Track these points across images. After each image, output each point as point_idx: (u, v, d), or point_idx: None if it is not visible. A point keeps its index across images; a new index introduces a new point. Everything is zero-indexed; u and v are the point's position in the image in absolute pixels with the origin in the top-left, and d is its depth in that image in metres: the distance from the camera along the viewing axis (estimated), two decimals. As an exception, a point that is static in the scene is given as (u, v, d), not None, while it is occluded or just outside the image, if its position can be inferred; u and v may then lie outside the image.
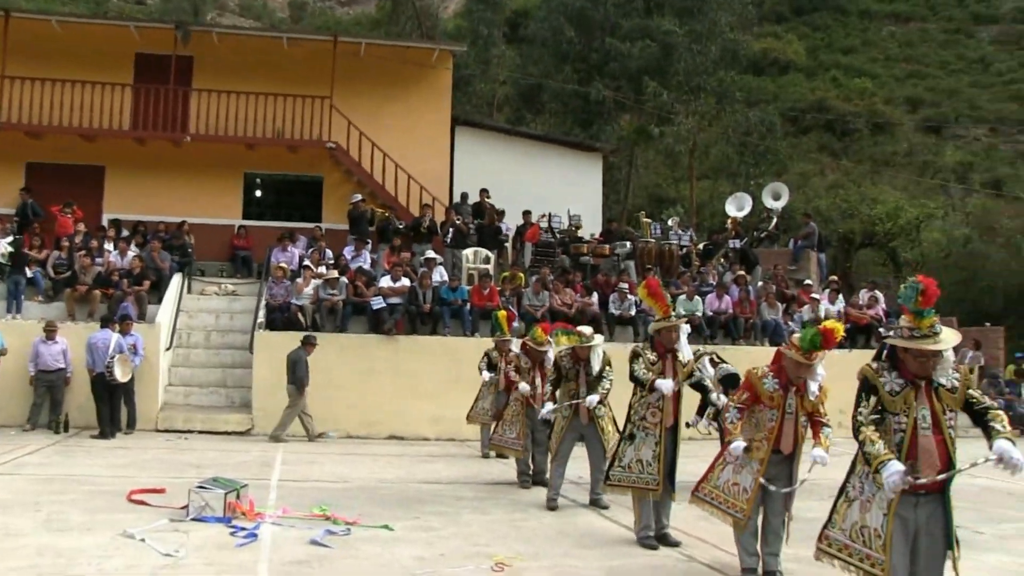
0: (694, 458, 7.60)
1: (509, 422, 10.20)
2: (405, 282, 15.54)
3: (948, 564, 4.48)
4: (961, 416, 4.51)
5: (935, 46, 62.33)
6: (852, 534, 4.52)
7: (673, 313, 7.18)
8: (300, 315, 14.82)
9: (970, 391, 4.49)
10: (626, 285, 16.61)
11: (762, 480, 5.75)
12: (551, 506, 8.46)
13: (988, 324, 22.91)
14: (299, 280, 15.40)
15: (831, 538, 4.67)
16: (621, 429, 7.23)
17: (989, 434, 4.35)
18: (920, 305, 4.27)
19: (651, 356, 7.06)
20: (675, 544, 7.00)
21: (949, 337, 4.32)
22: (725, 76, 31.48)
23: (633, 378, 7.02)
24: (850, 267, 28.40)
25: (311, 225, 19.32)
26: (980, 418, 4.44)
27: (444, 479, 10.31)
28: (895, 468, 4.18)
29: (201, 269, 18.40)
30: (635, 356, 7.09)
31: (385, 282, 15.48)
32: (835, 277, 19.65)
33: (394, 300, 15.18)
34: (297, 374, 13.48)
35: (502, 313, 12.35)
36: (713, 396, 8.37)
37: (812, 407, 5.91)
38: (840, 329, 5.73)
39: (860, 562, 4.45)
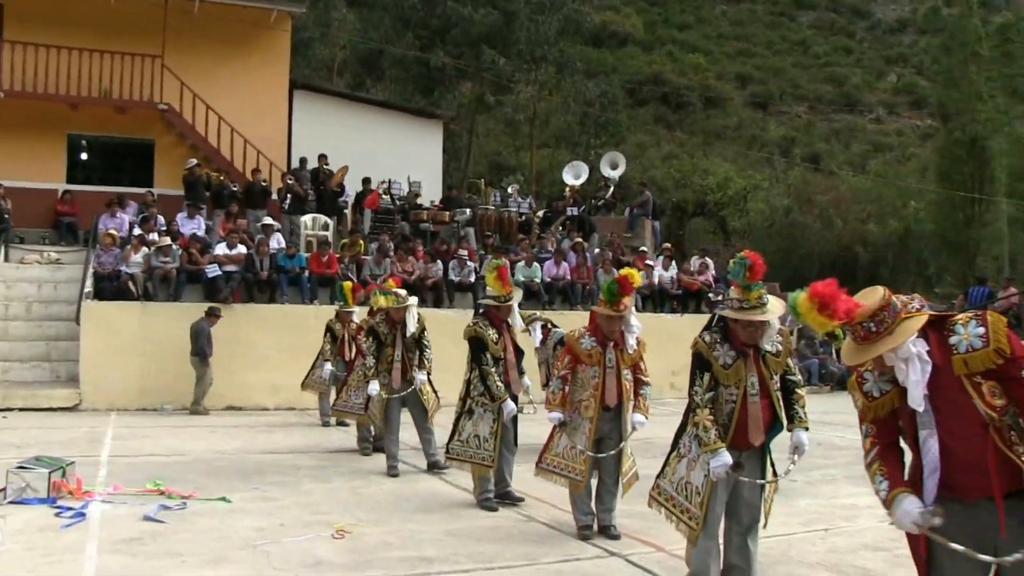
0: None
1: (355, 388, 10.18)
2: (241, 249, 15.15)
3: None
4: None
5: (762, 26, 65.21)
6: (678, 487, 4.81)
7: (511, 293, 7.29)
8: (131, 284, 14.24)
9: (788, 360, 4.90)
10: (465, 252, 16.75)
11: (585, 450, 5.99)
12: (392, 473, 8.54)
13: (806, 289, 24.33)
14: (128, 247, 14.77)
15: (661, 487, 4.96)
16: (461, 403, 7.29)
17: (792, 418, 4.86)
18: (748, 279, 4.55)
19: (493, 334, 7.16)
20: (519, 500, 7.20)
21: (775, 307, 4.63)
22: (566, 47, 31.91)
23: (482, 378, 7.08)
24: (683, 234, 29.54)
25: (142, 190, 18.44)
26: (788, 394, 4.89)
27: (284, 449, 10.21)
28: (723, 460, 4.50)
29: (20, 236, 17.31)
30: (480, 342, 7.09)
31: (221, 249, 15.05)
32: (668, 244, 20.39)
33: (230, 268, 14.80)
34: (199, 344, 13.27)
35: (347, 284, 12.18)
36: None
37: (632, 361, 6.16)
38: (635, 275, 6.01)
39: (681, 514, 4.77)
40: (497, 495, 7.26)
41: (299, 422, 12.82)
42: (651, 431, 6.07)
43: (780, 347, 4.81)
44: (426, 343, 8.69)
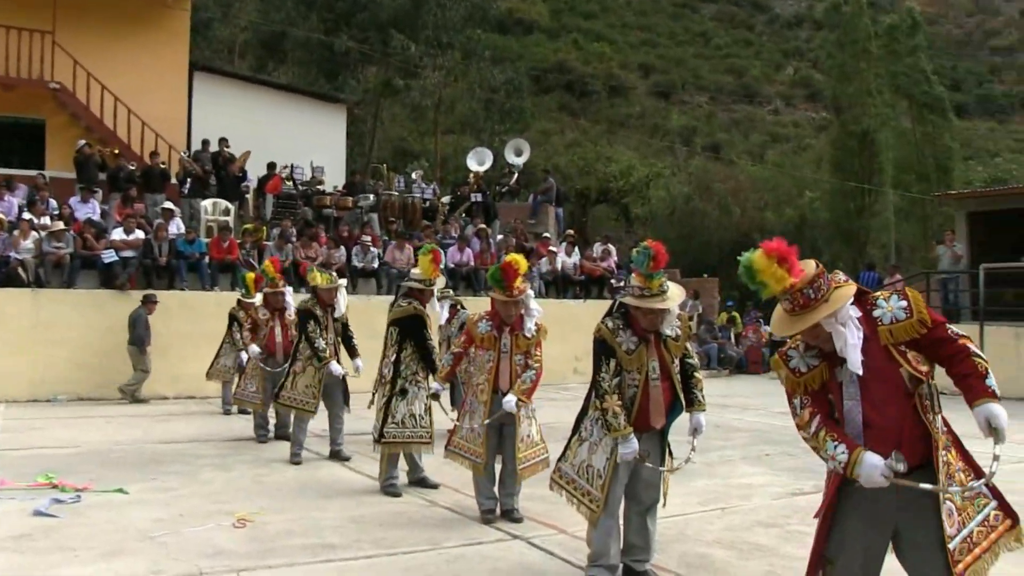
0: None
1: (249, 376, 10.11)
2: (139, 234, 14.74)
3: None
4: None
5: (665, 17, 66.25)
6: (579, 471, 4.91)
7: (436, 278, 7.37)
8: (21, 270, 13.70)
9: (687, 344, 5.06)
10: (369, 238, 16.66)
11: (486, 422, 6.08)
12: (294, 461, 8.48)
13: (705, 275, 24.98)
14: (16, 233, 14.20)
15: (563, 471, 5.05)
16: (390, 386, 7.21)
17: (691, 402, 5.04)
18: (651, 268, 4.66)
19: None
20: (434, 486, 7.27)
21: (675, 294, 4.76)
22: (473, 33, 31.88)
23: (427, 354, 7.13)
24: (586, 221, 29.89)
25: (32, 172, 17.72)
26: (687, 378, 5.05)
27: (183, 438, 10.01)
28: (632, 446, 4.63)
29: None
30: (421, 320, 7.14)
31: (117, 234, 14.62)
32: (571, 231, 20.65)
33: (127, 253, 14.40)
34: (137, 333, 13.01)
35: (250, 275, 11.90)
36: None
37: (527, 345, 6.19)
38: (520, 261, 6.06)
39: (582, 496, 4.87)
40: (412, 482, 7.29)
41: (199, 410, 12.59)
42: (554, 415, 6.18)
43: (679, 332, 4.95)
44: (349, 327, 8.86)
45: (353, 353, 8.85)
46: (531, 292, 6.24)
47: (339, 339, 8.75)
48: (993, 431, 3.08)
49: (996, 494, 3.35)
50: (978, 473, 3.29)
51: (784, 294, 3.26)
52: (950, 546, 3.15)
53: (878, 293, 3.36)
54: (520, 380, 6.14)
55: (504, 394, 6.09)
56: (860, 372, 3.21)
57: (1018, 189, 21.78)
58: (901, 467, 3.08)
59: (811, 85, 59.79)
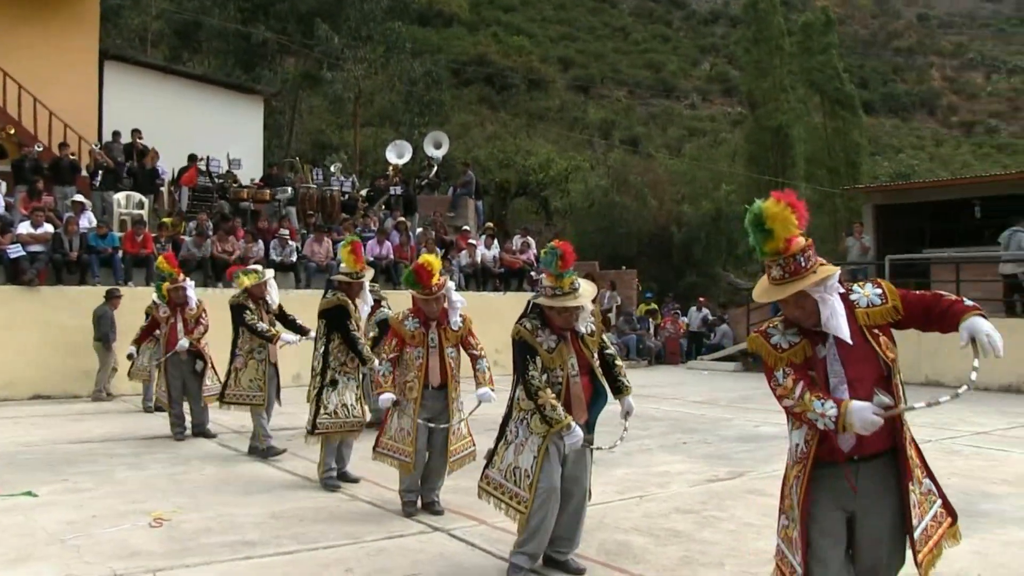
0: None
1: (162, 373, 9.95)
2: (47, 228, 14.29)
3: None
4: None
5: (584, 11, 66.75)
6: (506, 474, 4.94)
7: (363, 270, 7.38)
8: (-81, 265, 13.21)
9: (603, 336, 5.16)
10: (287, 231, 16.46)
11: (420, 420, 6.08)
12: (274, 452, 8.49)
13: (624, 267, 25.28)
14: (-86, 226, 13.68)
15: (490, 477, 5.06)
16: (320, 377, 7.18)
17: (618, 389, 5.15)
18: (560, 268, 4.74)
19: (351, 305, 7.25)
20: (355, 480, 7.27)
21: (587, 291, 4.84)
22: (393, 26, 31.65)
23: (352, 344, 7.13)
24: (505, 214, 29.96)
25: (-71, 164, 17.12)
26: (608, 368, 5.15)
27: (97, 437, 9.77)
28: (578, 435, 4.71)
29: None
30: (343, 310, 7.12)
31: (24, 228, 14.16)
32: (491, 224, 20.70)
33: (35, 248, 13.95)
34: (102, 330, 12.83)
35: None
36: None
37: (457, 338, 6.24)
38: (433, 262, 6.10)
39: (510, 500, 4.89)
40: (338, 474, 7.28)
41: (113, 409, 12.30)
42: (478, 409, 6.19)
43: (593, 327, 5.03)
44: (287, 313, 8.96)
45: (302, 330, 8.81)
46: (452, 284, 6.27)
47: (279, 325, 8.78)
48: (974, 343, 3.14)
49: (941, 493, 3.48)
50: (929, 471, 3.47)
51: (777, 258, 3.31)
52: (915, 535, 3.28)
53: (854, 283, 3.46)
54: (479, 371, 6.21)
55: (435, 389, 6.15)
56: (848, 339, 3.26)
57: (920, 184, 22.63)
58: (887, 400, 3.19)
59: (727, 80, 60.99)
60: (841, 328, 3.26)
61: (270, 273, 8.87)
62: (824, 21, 33.96)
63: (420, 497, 6.35)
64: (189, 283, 9.81)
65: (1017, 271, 15.19)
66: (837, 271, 3.33)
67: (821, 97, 32.92)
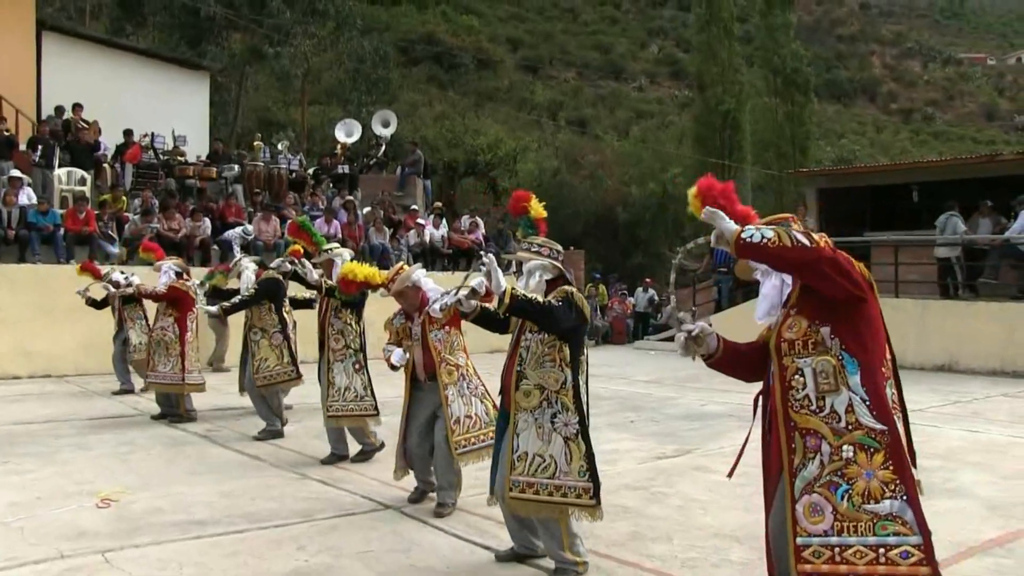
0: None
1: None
2: (-16, 205, 14.00)
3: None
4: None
5: (534, -9, 66.58)
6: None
7: (325, 248, 7.35)
8: None
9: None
10: (233, 209, 16.27)
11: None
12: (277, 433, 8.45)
13: (572, 247, 25.42)
14: None
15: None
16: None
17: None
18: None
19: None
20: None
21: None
22: (345, 3, 31.25)
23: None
24: (454, 194, 29.87)
25: None
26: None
27: (39, 418, 9.60)
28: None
29: None
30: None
31: (-41, 204, 13.84)
32: (439, 203, 20.68)
33: (-29, 225, 13.65)
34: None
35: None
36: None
37: (444, 321, 5.73)
38: (355, 270, 6.19)
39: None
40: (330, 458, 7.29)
41: (57, 390, 12.09)
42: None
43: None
44: None
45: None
46: (420, 271, 5.95)
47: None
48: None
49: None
50: None
51: None
52: None
53: None
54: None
55: (421, 384, 5.82)
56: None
57: (862, 168, 23.07)
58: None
59: (675, 63, 61.37)
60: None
61: (248, 262, 8.99)
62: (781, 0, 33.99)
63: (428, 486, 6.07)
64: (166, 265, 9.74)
65: (951, 255, 15.58)
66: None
67: (775, 78, 33.15)
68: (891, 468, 3.00)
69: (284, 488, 6.47)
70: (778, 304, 3.36)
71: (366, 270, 6.28)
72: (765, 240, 2.99)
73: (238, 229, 8.76)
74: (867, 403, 3.04)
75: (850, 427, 3.04)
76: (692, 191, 3.38)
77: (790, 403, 3.15)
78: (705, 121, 32.16)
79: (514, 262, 5.13)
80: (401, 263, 6.46)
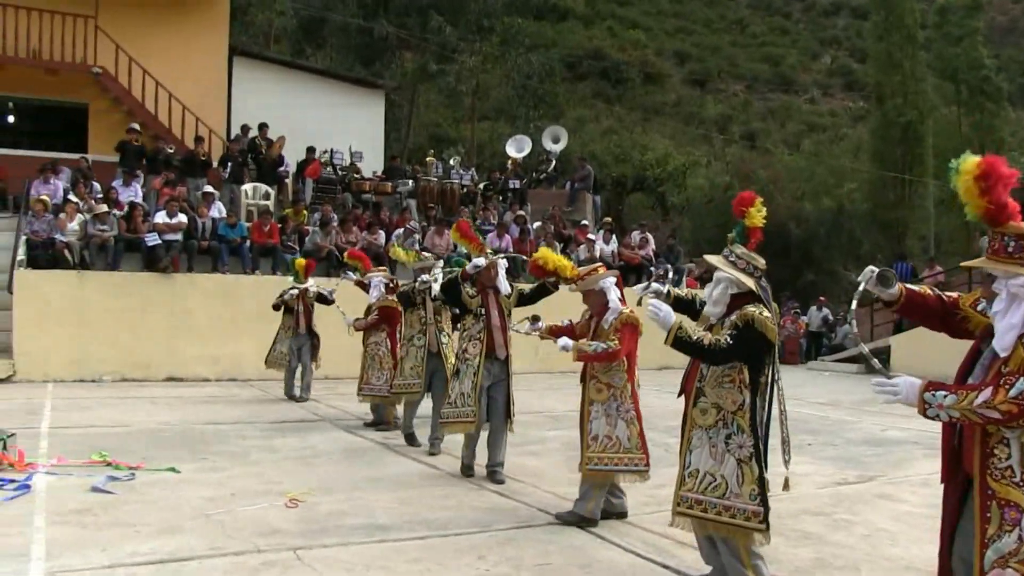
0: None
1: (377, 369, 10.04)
2: (182, 218, 14.89)
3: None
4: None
5: (701, 4, 65.69)
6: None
7: (489, 251, 7.43)
8: (67, 252, 13.87)
9: None
10: (416, 223, 16.73)
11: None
12: (433, 451, 8.27)
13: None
14: (62, 215, 14.38)
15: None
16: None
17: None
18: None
19: (470, 290, 7.21)
20: (500, 482, 6.98)
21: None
22: (513, 20, 31.74)
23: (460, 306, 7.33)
24: (622, 209, 29.75)
25: (75, 156, 17.96)
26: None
27: (227, 420, 10.12)
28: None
29: (-56, 202, 16.77)
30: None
31: (160, 218, 14.77)
32: (609, 218, 20.60)
33: (170, 236, 14.55)
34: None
35: (300, 260, 12.24)
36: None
37: (604, 335, 5.81)
38: (548, 257, 6.23)
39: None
40: (487, 472, 7.21)
41: (242, 393, 12.72)
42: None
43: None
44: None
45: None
46: (611, 279, 5.98)
47: (436, 316, 8.64)
48: None
49: None
50: None
51: (997, 228, 3.03)
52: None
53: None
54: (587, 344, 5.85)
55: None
56: (1003, 355, 2.99)
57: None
58: None
59: (848, 74, 59.11)
60: (1006, 344, 2.99)
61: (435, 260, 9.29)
62: (971, 5, 32.06)
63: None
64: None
65: None
66: None
67: (959, 88, 31.29)
68: None
69: (461, 498, 6.54)
70: None
71: (558, 260, 6.27)
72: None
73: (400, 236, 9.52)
74: None
75: None
76: (967, 164, 3.00)
77: (989, 471, 2.98)
78: (883, 134, 30.63)
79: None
80: (600, 263, 6.43)
